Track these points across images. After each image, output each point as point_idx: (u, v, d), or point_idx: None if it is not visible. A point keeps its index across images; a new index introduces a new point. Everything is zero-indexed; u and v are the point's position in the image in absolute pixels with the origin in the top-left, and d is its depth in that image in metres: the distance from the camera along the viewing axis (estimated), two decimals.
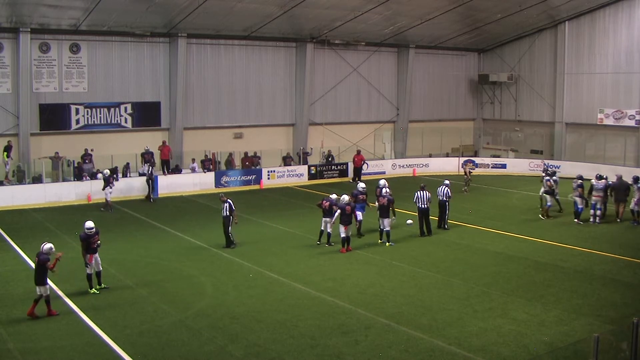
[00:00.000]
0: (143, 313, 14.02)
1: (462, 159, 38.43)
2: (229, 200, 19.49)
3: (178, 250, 19.43)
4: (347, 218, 19.15)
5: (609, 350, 10.08)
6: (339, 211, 19.33)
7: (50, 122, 29.85)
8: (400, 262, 18.07)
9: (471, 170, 30.55)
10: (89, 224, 15.47)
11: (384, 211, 20.04)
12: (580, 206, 23.20)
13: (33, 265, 14.76)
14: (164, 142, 31.76)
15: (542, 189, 24.90)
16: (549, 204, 24.36)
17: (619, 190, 23.63)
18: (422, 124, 41.41)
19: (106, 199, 26.13)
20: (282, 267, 17.67)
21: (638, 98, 35.35)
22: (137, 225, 23.63)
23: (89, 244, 15.27)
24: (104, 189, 26.18)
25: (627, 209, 23.35)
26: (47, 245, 14.04)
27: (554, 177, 24.84)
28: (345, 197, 19.48)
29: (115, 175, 29.01)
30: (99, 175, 28.73)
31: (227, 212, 19.32)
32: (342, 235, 19.24)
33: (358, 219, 20.74)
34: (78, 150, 29.66)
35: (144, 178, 29.06)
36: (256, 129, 35.78)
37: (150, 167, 30.23)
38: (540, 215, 24.34)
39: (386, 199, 20.03)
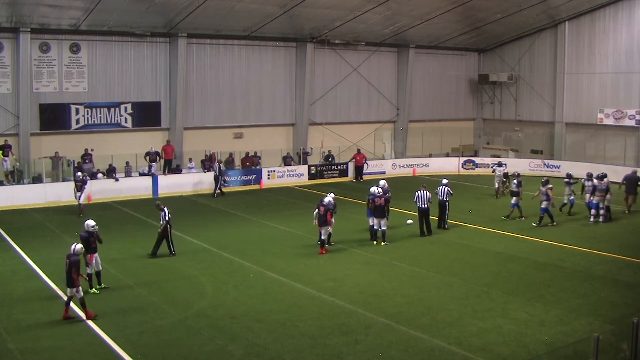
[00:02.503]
0: (143, 313, 14.02)
1: (462, 159, 38.46)
2: (165, 208, 18.97)
3: (178, 250, 19.36)
4: (320, 218, 19.06)
5: (609, 350, 10.08)
6: (316, 210, 19.28)
7: (50, 122, 29.82)
8: (400, 262, 18.07)
9: (505, 178, 30.29)
10: (90, 222, 15.57)
11: (380, 211, 19.97)
12: (543, 207, 22.78)
13: (60, 265, 14.34)
14: (168, 142, 31.75)
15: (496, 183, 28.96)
16: (513, 203, 24.18)
17: (630, 182, 24.53)
18: (422, 124, 41.39)
19: (78, 202, 25.01)
20: (282, 267, 17.66)
21: (638, 98, 35.34)
22: (137, 225, 23.63)
23: (89, 243, 15.30)
24: (80, 193, 24.96)
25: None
26: (78, 246, 14.03)
27: (516, 180, 24.34)
28: (326, 198, 19.43)
29: (115, 175, 29.04)
30: (99, 175, 28.72)
31: (167, 219, 18.74)
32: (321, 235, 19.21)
33: (371, 223, 20.46)
34: (78, 150, 29.64)
35: (213, 176, 30.13)
36: (256, 129, 35.77)
37: (150, 168, 30.23)
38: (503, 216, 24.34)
39: (383, 199, 19.97)
